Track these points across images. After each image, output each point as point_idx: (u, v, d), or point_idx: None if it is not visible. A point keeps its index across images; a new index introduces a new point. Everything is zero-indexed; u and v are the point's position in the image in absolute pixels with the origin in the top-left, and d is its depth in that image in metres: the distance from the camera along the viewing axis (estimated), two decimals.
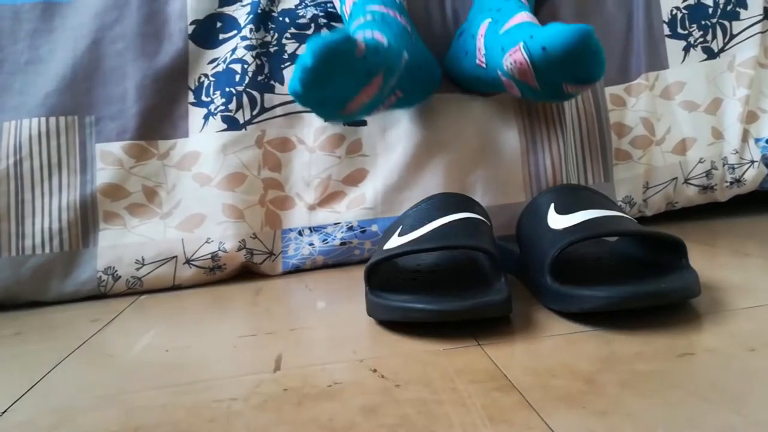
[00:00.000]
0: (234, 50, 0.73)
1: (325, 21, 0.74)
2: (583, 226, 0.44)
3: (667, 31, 0.77)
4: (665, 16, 0.77)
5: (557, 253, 0.43)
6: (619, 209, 0.48)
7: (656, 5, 0.77)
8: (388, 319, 0.44)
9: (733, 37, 0.76)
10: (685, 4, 0.77)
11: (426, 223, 0.48)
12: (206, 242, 0.67)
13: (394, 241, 0.48)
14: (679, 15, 0.77)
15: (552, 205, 0.48)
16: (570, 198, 0.48)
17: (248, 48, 0.72)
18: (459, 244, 0.45)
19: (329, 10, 0.75)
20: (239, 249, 0.67)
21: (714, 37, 0.76)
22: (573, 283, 0.42)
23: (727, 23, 0.76)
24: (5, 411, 0.36)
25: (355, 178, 0.72)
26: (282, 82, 0.73)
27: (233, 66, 0.72)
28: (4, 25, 0.72)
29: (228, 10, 0.75)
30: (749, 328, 0.38)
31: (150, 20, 0.73)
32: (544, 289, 0.44)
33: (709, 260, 0.56)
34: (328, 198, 0.71)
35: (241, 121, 0.71)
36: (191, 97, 0.72)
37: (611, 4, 0.78)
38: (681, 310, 0.42)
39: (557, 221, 0.46)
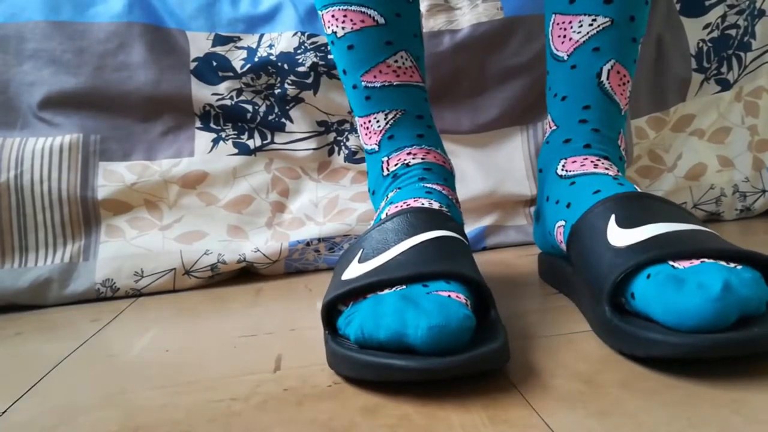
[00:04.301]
0: (240, 92, 0.73)
1: (325, 69, 0.74)
2: (653, 243, 0.36)
3: (694, 64, 0.76)
4: (692, 50, 0.76)
5: (619, 278, 0.35)
6: (699, 222, 0.39)
7: (684, 39, 0.76)
8: (358, 377, 0.34)
9: (745, 67, 0.77)
10: (710, 36, 0.76)
11: (392, 245, 0.39)
12: (205, 254, 0.67)
13: (354, 269, 0.39)
14: (705, 48, 0.76)
15: (612, 216, 0.39)
16: (635, 208, 0.39)
17: (255, 92, 0.74)
18: (434, 271, 0.36)
19: (330, 56, 0.73)
20: (239, 261, 0.67)
21: (730, 68, 0.76)
22: (635, 312, 0.35)
23: (742, 54, 0.76)
24: (5, 411, 0.36)
25: (364, 196, 0.73)
26: (292, 121, 0.74)
27: (244, 105, 0.74)
28: (10, 44, 0.71)
29: (220, 50, 0.74)
30: None
31: (152, 49, 0.72)
32: (600, 320, 0.37)
33: None
34: (338, 215, 0.72)
35: (252, 147, 0.73)
36: (198, 123, 0.73)
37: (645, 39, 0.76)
38: None
39: (619, 237, 0.38)
